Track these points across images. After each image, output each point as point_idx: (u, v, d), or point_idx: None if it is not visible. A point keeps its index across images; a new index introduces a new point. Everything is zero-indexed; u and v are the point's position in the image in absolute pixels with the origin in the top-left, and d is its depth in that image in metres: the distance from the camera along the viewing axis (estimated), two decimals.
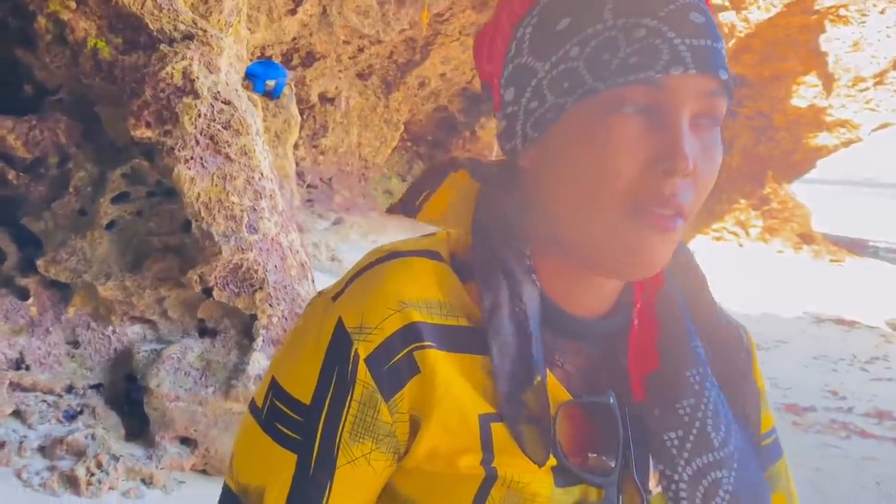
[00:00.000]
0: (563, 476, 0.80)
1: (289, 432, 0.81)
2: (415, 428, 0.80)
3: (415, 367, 0.79)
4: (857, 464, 5.11)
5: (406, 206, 0.91)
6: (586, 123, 0.77)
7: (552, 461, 0.80)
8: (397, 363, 0.79)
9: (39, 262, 3.77)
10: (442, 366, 0.79)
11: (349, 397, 0.79)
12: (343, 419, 0.80)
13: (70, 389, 3.71)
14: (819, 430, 5.61)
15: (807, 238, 14.03)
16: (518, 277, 0.82)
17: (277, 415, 0.82)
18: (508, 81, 0.84)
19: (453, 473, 0.79)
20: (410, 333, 0.79)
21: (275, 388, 0.84)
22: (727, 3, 10.73)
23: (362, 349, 0.79)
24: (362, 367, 0.79)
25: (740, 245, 14.02)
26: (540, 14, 0.81)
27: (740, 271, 12.14)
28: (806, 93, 12.90)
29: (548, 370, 0.82)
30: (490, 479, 0.79)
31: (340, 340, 0.80)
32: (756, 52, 12.28)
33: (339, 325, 0.80)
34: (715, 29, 0.78)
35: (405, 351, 0.79)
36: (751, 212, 14.20)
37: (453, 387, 0.79)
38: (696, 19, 0.76)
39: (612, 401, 0.83)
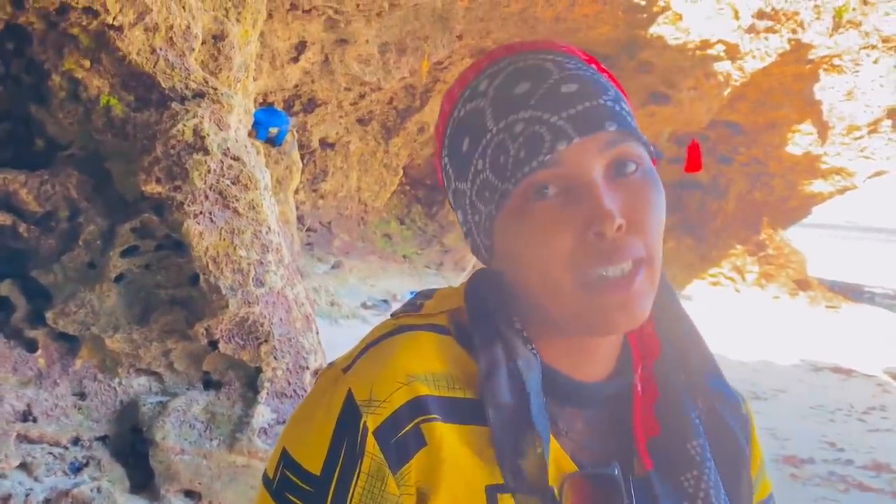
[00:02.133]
0: None
1: (299, 503, 0.84)
2: (422, 501, 0.82)
3: (422, 440, 0.81)
4: None
5: (406, 309, 0.96)
6: (513, 220, 0.83)
7: None
8: (405, 436, 0.81)
9: (48, 315, 3.81)
10: (448, 438, 0.82)
11: (358, 469, 0.81)
12: (351, 491, 0.82)
13: (76, 441, 3.73)
14: (818, 484, 5.63)
15: (802, 284, 14.10)
16: (513, 342, 0.86)
17: (288, 485, 0.85)
18: (454, 205, 0.92)
19: None
20: (417, 406, 0.82)
21: (285, 459, 0.86)
22: (722, 54, 10.90)
23: (371, 422, 0.82)
24: (371, 439, 0.81)
25: (737, 290, 14.08)
26: (448, 143, 0.89)
27: (737, 317, 12.18)
28: (801, 140, 13.04)
29: (553, 438, 0.85)
30: None
31: (350, 413, 0.83)
32: (751, 100, 12.44)
33: (349, 397, 0.83)
34: (592, 86, 0.83)
35: (412, 424, 0.82)
36: (747, 257, 14.29)
37: (459, 459, 0.82)
38: (567, 89, 0.82)
39: (616, 472, 0.85)
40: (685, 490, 0.87)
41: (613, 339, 0.91)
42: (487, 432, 0.83)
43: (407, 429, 0.82)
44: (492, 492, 0.82)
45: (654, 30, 10.34)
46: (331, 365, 0.91)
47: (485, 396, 0.83)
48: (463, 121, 0.87)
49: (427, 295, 0.96)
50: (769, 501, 1.01)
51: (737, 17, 10.55)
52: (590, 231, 0.80)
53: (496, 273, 0.92)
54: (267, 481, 0.88)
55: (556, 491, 0.82)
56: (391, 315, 0.96)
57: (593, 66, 0.88)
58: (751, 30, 10.87)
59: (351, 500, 0.82)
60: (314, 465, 0.84)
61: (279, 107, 9.75)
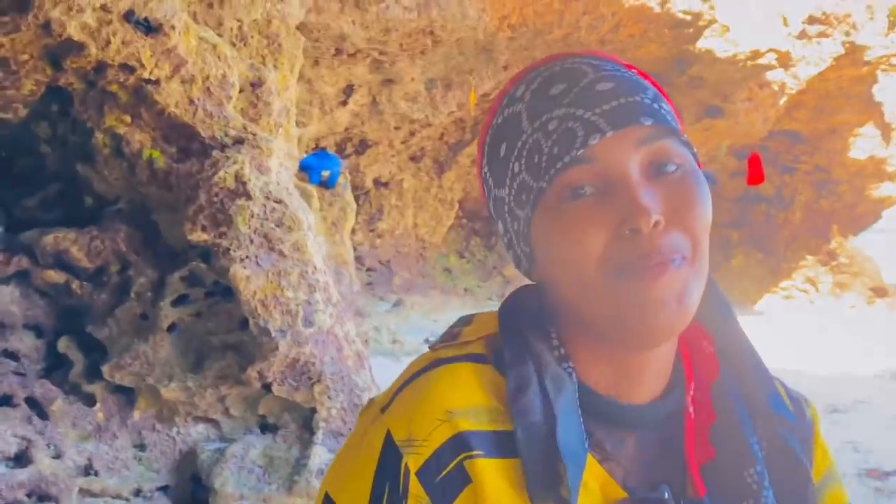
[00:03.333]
0: None
1: None
2: None
3: (466, 478, 0.79)
4: None
5: (444, 338, 0.93)
6: (549, 221, 0.81)
7: None
8: (449, 474, 0.79)
9: (105, 368, 3.87)
10: (490, 475, 0.79)
11: None
12: None
13: (138, 493, 3.75)
14: None
15: (879, 291, 13.62)
16: (545, 358, 0.83)
17: None
18: (495, 215, 0.90)
19: None
20: (459, 443, 0.79)
21: None
22: (774, 62, 10.70)
23: (412, 462, 0.79)
24: (413, 480, 0.79)
25: (811, 302, 13.67)
26: (488, 151, 0.88)
27: (813, 329, 11.83)
28: (864, 144, 12.69)
29: (599, 464, 0.82)
30: None
31: (390, 454, 0.80)
32: (809, 107, 12.17)
33: (388, 438, 0.81)
34: (629, 85, 0.81)
35: (456, 461, 0.79)
36: (819, 268, 13.88)
37: (500, 495, 0.79)
38: (603, 87, 0.80)
39: (666, 496, 0.82)
40: None
41: (663, 357, 0.86)
42: None
43: (450, 467, 0.79)
44: None
45: (702, 44, 10.21)
46: (370, 403, 0.89)
47: (514, 417, 0.80)
48: (501, 127, 0.86)
49: (467, 321, 0.93)
50: None
51: (786, 24, 10.37)
52: (625, 227, 0.77)
53: (534, 288, 0.90)
54: None
55: None
56: (429, 347, 0.92)
57: (633, 70, 0.86)
58: (802, 36, 10.66)
59: None
60: None
61: (331, 150, 9.87)
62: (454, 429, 0.80)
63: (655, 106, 0.81)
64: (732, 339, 0.90)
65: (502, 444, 0.80)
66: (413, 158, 11.52)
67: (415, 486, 0.79)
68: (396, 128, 10.31)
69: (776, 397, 0.90)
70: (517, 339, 0.85)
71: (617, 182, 0.78)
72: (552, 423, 0.79)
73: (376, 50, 8.98)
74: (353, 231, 9.92)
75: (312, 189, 8.14)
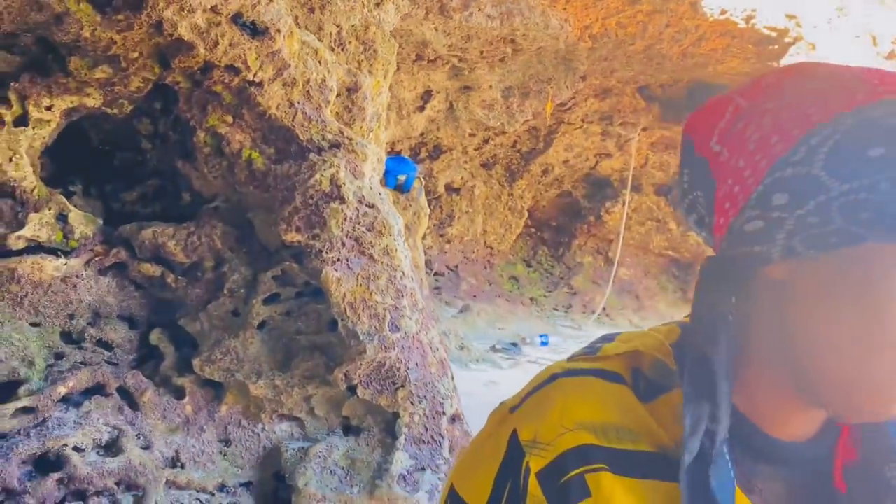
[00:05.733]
0: None
1: None
2: None
3: (585, 491, 0.78)
4: None
5: (584, 351, 0.92)
6: (888, 264, 0.73)
7: None
8: (568, 483, 0.79)
9: (195, 362, 3.93)
10: (619, 491, 0.78)
11: None
12: None
13: (222, 488, 3.80)
14: None
15: None
16: (722, 405, 0.79)
17: None
18: (779, 185, 0.77)
19: None
20: (583, 455, 0.79)
21: (452, 495, 0.87)
22: None
23: (534, 463, 0.80)
24: (533, 481, 0.80)
25: None
26: (845, 133, 0.74)
27: None
28: None
29: (745, 496, 0.80)
30: None
31: (514, 453, 0.82)
32: None
33: (514, 437, 0.82)
34: None
35: (576, 472, 0.79)
36: None
37: None
38: None
39: None
40: None
41: None
42: (663, 487, 0.79)
43: (570, 476, 0.79)
44: None
45: (787, 61, 10.02)
46: (502, 403, 0.90)
47: (684, 453, 0.78)
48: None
49: (608, 338, 0.92)
50: None
51: (875, 43, 10.12)
52: None
53: (719, 322, 0.82)
54: None
55: None
56: (568, 358, 0.92)
57: None
58: (891, 56, 10.40)
59: None
60: (478, 503, 0.84)
61: (406, 154, 9.93)
62: (579, 440, 0.80)
63: None
64: None
65: (632, 463, 0.80)
66: (485, 165, 11.52)
67: (534, 487, 0.80)
68: (471, 134, 10.33)
69: None
70: (702, 374, 0.80)
71: None
72: (706, 468, 0.77)
73: (456, 57, 9.01)
74: (423, 235, 9.95)
75: (388, 193, 8.18)
